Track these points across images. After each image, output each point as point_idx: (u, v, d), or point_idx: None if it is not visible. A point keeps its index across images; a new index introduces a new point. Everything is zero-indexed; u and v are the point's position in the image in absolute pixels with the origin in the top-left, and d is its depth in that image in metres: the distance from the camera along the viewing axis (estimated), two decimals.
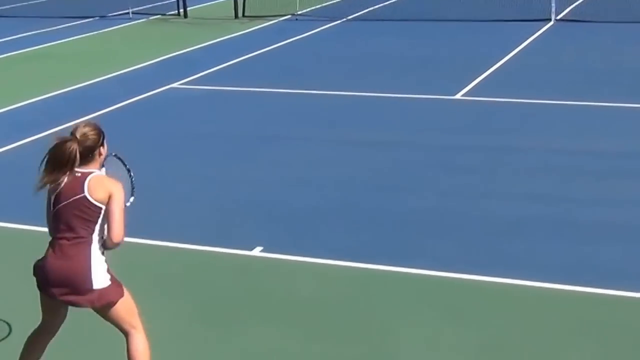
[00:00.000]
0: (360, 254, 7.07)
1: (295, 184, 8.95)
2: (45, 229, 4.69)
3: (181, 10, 21.67)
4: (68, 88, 13.63)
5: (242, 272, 6.89)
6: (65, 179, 4.49)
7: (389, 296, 6.34)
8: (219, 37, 18.21)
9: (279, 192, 8.72)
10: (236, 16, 20.90)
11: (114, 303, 4.62)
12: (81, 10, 22.55)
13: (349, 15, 20.61)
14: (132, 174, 4.81)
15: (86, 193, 4.48)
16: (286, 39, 17.65)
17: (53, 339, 4.84)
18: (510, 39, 16.78)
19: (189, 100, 12.68)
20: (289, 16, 20.72)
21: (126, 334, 4.73)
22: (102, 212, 4.51)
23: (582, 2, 20.93)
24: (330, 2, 22.90)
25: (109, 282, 4.59)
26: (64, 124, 10.52)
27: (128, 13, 21.85)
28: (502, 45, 16.11)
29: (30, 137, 10.81)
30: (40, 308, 4.74)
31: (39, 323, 4.79)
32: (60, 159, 4.44)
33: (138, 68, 15.17)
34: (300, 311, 6.17)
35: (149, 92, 12.89)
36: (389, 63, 15.16)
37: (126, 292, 4.70)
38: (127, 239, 4.58)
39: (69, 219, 4.51)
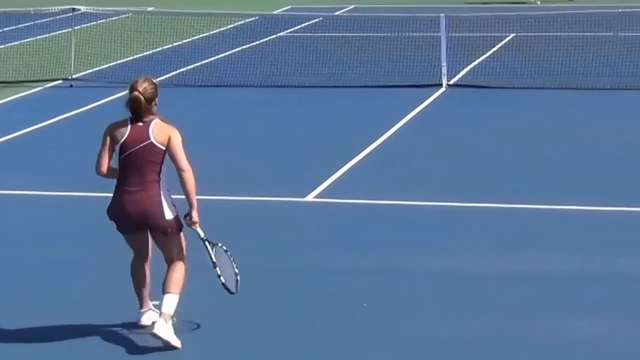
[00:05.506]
0: None
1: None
2: None
3: None
4: None
5: None
6: (129, 129, 6.34)
7: None
8: None
9: None
10: None
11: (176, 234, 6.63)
12: None
13: None
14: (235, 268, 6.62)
15: (152, 139, 6.44)
16: (54, 117, 15.03)
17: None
18: (388, 111, 14.79)
19: None
20: (60, 81, 17.59)
21: (171, 262, 6.68)
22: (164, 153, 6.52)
23: (478, 63, 18.67)
24: (116, 62, 19.27)
25: (174, 215, 6.57)
26: None
27: None
28: (376, 121, 14.05)
29: None
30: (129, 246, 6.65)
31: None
32: (133, 109, 6.39)
33: None
34: None
35: None
36: (215, 148, 12.74)
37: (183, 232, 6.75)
38: None
39: (139, 164, 6.48)
